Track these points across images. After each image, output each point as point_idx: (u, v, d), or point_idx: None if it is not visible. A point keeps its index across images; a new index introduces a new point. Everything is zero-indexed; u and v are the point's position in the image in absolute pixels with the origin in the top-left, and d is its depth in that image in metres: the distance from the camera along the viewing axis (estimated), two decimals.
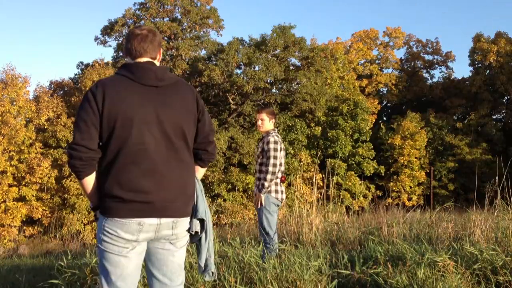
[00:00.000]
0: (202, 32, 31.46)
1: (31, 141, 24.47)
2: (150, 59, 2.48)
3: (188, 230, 2.50)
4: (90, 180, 2.38)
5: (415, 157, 31.85)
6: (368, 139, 30.94)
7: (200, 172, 2.66)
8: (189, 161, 2.50)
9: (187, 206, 2.46)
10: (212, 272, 2.62)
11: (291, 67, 30.37)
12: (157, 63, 2.54)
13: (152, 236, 2.38)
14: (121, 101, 2.32)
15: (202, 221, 2.53)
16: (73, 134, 2.37)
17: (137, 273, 2.46)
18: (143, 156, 2.33)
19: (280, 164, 5.03)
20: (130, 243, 2.34)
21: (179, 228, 2.43)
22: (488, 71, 37.00)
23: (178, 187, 2.41)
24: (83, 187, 2.43)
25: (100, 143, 2.36)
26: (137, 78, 2.39)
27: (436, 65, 42.62)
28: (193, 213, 2.51)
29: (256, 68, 28.09)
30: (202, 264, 2.58)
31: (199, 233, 2.54)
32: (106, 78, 2.46)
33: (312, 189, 8.60)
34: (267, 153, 4.98)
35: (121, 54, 30.49)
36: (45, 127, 25.73)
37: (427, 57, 42.51)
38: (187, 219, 2.48)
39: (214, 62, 28.46)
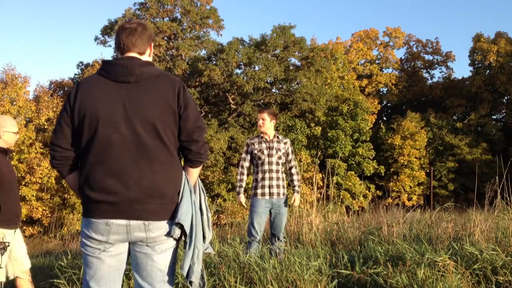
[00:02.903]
0: (202, 32, 31.46)
1: (31, 141, 24.45)
2: (136, 54, 2.37)
3: (168, 235, 2.32)
4: (71, 179, 2.40)
5: (415, 157, 31.84)
6: (368, 139, 30.92)
7: (191, 173, 2.44)
8: (167, 160, 2.32)
9: (163, 209, 2.29)
10: (192, 282, 2.35)
11: (291, 67, 30.37)
12: (147, 58, 2.42)
13: (125, 238, 2.28)
14: (89, 99, 2.27)
15: (182, 226, 2.32)
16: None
17: (113, 277, 2.35)
18: (109, 155, 2.25)
19: None
20: (101, 244, 2.28)
21: (154, 231, 2.27)
22: (488, 71, 36.98)
23: (148, 188, 2.25)
24: (68, 186, 2.43)
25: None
26: (109, 74, 2.31)
27: (436, 65, 42.64)
28: (173, 217, 2.33)
29: (256, 68, 28.09)
30: (184, 273, 2.35)
31: (183, 238, 2.36)
32: (85, 77, 2.43)
33: (312, 189, 8.60)
34: (289, 155, 5.35)
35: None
36: (45, 127, 25.71)
37: (427, 57, 42.54)
38: (165, 222, 2.30)
39: (214, 62, 28.47)
